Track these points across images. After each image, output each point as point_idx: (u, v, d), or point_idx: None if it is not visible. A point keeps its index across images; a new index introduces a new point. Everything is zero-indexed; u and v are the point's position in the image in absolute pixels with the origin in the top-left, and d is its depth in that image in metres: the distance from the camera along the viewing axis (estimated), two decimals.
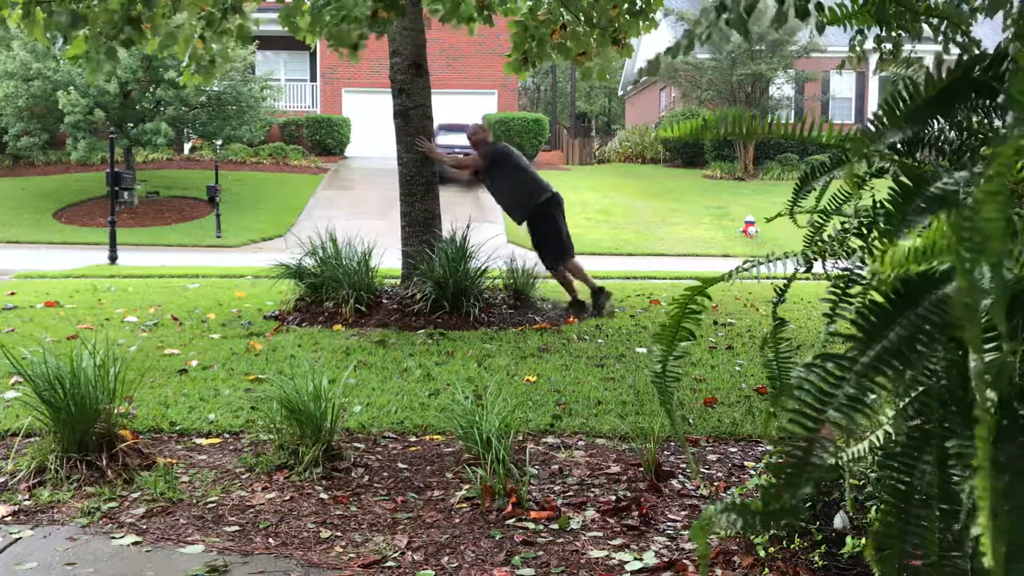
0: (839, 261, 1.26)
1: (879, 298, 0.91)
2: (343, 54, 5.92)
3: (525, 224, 7.11)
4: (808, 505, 2.50)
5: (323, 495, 3.02)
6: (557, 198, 7.06)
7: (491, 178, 7.02)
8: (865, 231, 1.23)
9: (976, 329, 0.73)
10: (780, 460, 0.86)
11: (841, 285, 1.18)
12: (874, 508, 2.26)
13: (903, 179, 0.97)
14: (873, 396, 0.85)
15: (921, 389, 0.99)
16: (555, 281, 7.23)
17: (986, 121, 1.36)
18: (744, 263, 1.25)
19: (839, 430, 0.83)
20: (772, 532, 2.50)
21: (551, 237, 7.00)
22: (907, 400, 1.01)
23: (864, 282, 1.14)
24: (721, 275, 1.23)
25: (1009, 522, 0.86)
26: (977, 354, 0.74)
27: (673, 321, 1.26)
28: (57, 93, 18.54)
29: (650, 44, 27.01)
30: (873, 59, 4.76)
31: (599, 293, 7.09)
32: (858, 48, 4.26)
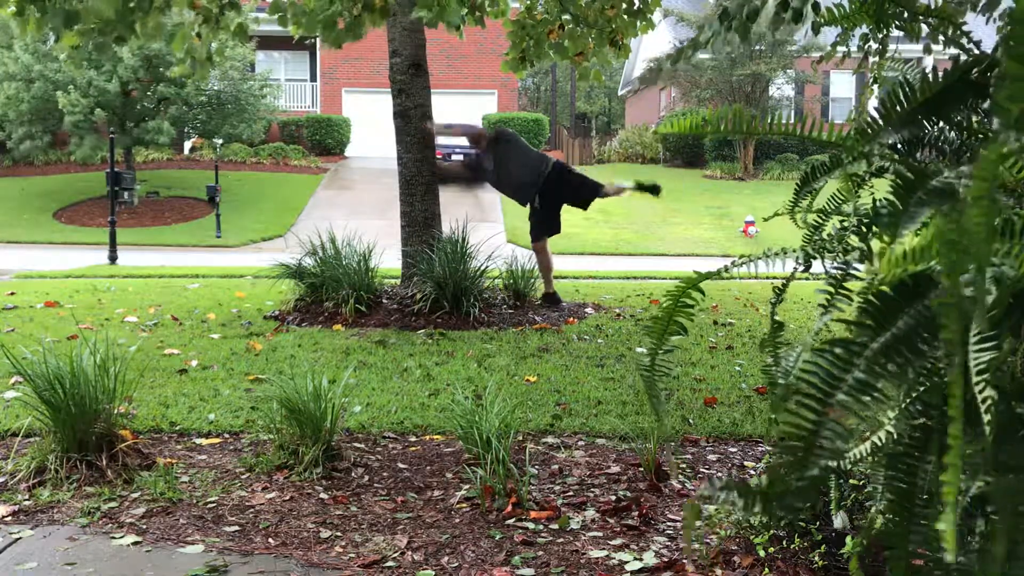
0: (838, 258, 1.26)
1: (887, 288, 0.91)
2: (330, 43, 5.97)
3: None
4: (808, 505, 2.50)
5: (323, 495, 3.02)
6: (558, 166, 7.22)
7: (497, 160, 7.08)
8: (864, 229, 1.23)
9: (957, 327, 0.73)
10: (786, 444, 0.86)
11: (838, 278, 1.19)
12: (873, 508, 2.26)
13: (905, 173, 0.97)
14: (882, 382, 0.85)
15: (923, 389, 0.99)
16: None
17: (985, 121, 1.36)
18: (739, 258, 1.25)
19: (848, 413, 0.83)
20: (771, 532, 2.50)
21: (549, 212, 7.21)
22: (909, 400, 1.01)
23: (863, 279, 1.14)
24: (717, 270, 1.23)
25: (1012, 520, 0.86)
26: (955, 352, 0.75)
27: (665, 314, 1.26)
28: (57, 94, 18.54)
29: (650, 45, 27.02)
30: (859, 60, 4.76)
31: (553, 296, 7.28)
32: (841, 47, 4.26)
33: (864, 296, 0.94)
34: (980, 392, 0.80)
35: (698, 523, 2.80)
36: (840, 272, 1.19)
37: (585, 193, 7.34)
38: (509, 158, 7.08)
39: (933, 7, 2.04)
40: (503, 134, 7.26)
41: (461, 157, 15.66)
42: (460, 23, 6.32)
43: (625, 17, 7.00)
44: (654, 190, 7.03)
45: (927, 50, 3.41)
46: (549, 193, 7.13)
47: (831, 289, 1.18)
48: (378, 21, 5.84)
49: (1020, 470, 0.85)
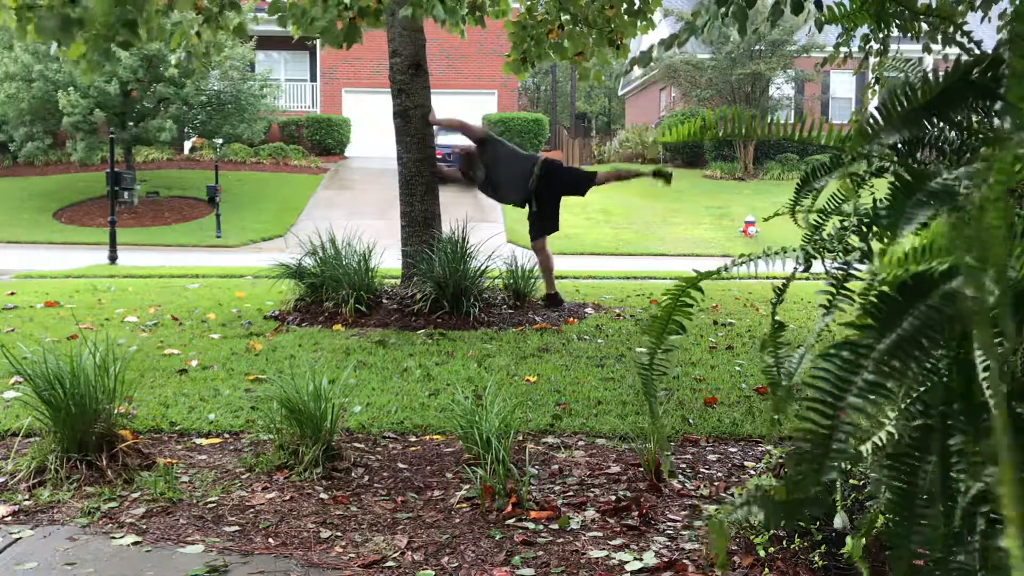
0: (838, 258, 1.26)
1: (889, 289, 0.91)
2: (331, 44, 5.98)
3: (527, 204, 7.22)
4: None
5: (323, 495, 3.02)
6: (547, 164, 7.13)
7: (487, 166, 7.03)
8: (864, 229, 1.23)
9: (989, 335, 0.73)
10: (801, 449, 0.86)
11: (839, 278, 1.18)
12: (873, 508, 2.26)
13: (903, 175, 0.97)
14: (891, 382, 0.85)
15: (923, 389, 0.98)
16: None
17: (986, 121, 1.36)
18: (739, 257, 1.25)
19: (860, 415, 0.83)
20: (771, 532, 2.50)
21: (546, 211, 7.15)
22: (910, 400, 1.01)
23: (863, 278, 1.14)
24: (717, 269, 1.23)
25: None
26: (992, 360, 0.74)
27: (664, 313, 1.26)
28: (57, 94, 18.55)
29: (651, 45, 27.02)
30: (859, 60, 4.77)
31: (555, 297, 7.21)
32: (844, 48, 4.28)
33: (866, 297, 0.94)
34: (988, 388, 0.80)
35: (698, 523, 2.80)
36: (841, 273, 1.19)
37: (581, 186, 7.34)
38: (498, 161, 7.01)
39: (933, 6, 2.04)
40: (487, 138, 7.16)
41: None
42: (459, 23, 6.32)
43: (625, 17, 7.00)
44: (667, 177, 7.03)
45: (926, 49, 3.41)
46: (543, 192, 7.06)
47: (832, 290, 1.18)
48: (374, 23, 5.84)
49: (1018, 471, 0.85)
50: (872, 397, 0.84)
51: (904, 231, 0.88)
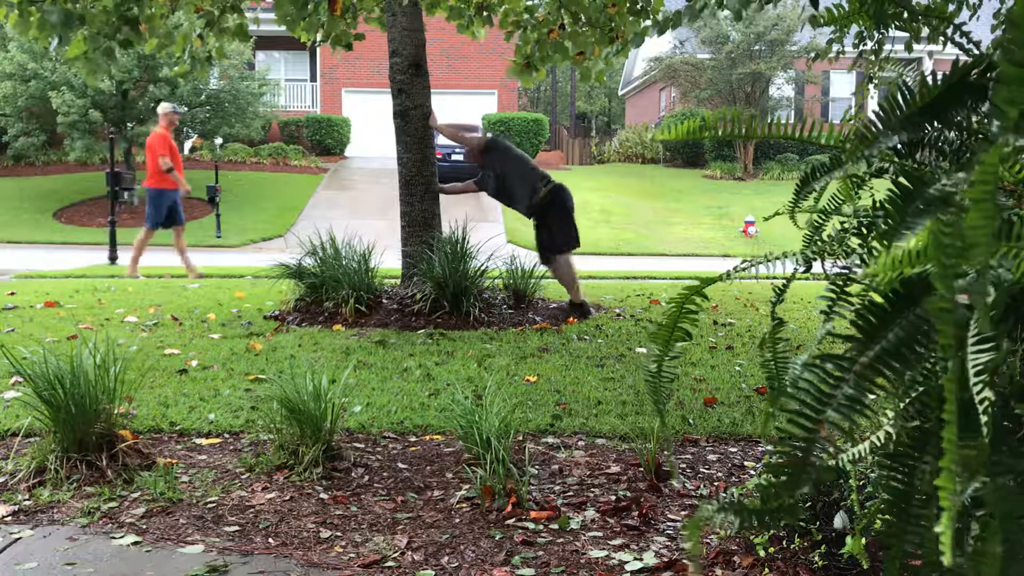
0: (838, 261, 1.26)
1: (879, 298, 0.91)
2: (335, 52, 5.98)
3: (534, 217, 6.98)
4: (808, 505, 2.51)
5: (323, 495, 3.03)
6: (559, 190, 6.90)
7: (495, 171, 6.89)
8: (864, 231, 1.23)
9: (951, 333, 0.73)
10: (779, 460, 0.87)
11: (839, 283, 1.19)
12: (874, 508, 2.26)
13: (902, 181, 0.98)
14: (872, 397, 0.85)
15: (921, 389, 0.99)
16: (555, 281, 7.19)
17: (986, 122, 1.36)
18: (742, 263, 1.25)
19: (838, 430, 0.84)
20: (772, 532, 2.51)
21: (554, 227, 6.88)
22: (907, 401, 1.02)
23: (863, 282, 1.14)
24: (719, 275, 1.23)
25: (1008, 522, 0.86)
26: (950, 357, 0.74)
27: (670, 321, 1.26)
28: (51, 93, 18.56)
29: (651, 45, 27.04)
30: (853, 58, 4.77)
31: (580, 306, 7.01)
32: (836, 45, 4.25)
33: (859, 304, 0.94)
34: (978, 393, 0.80)
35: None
36: (841, 277, 1.19)
37: (565, 228, 6.86)
38: (507, 171, 6.83)
39: (932, 6, 2.04)
40: (490, 145, 6.97)
41: (461, 157, 15.59)
42: (469, 24, 6.33)
43: (629, 18, 6.98)
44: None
45: (908, 47, 3.41)
46: (545, 215, 6.79)
47: (832, 295, 1.18)
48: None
49: (1015, 472, 0.85)
50: (851, 413, 0.84)
51: (902, 239, 0.88)
